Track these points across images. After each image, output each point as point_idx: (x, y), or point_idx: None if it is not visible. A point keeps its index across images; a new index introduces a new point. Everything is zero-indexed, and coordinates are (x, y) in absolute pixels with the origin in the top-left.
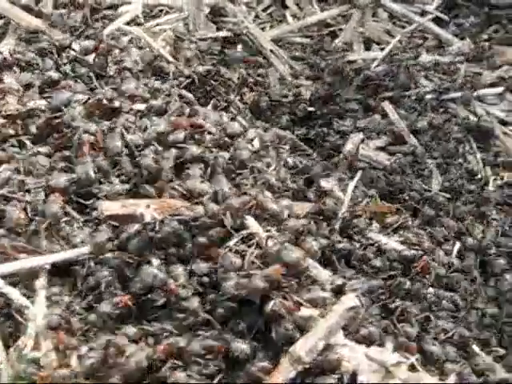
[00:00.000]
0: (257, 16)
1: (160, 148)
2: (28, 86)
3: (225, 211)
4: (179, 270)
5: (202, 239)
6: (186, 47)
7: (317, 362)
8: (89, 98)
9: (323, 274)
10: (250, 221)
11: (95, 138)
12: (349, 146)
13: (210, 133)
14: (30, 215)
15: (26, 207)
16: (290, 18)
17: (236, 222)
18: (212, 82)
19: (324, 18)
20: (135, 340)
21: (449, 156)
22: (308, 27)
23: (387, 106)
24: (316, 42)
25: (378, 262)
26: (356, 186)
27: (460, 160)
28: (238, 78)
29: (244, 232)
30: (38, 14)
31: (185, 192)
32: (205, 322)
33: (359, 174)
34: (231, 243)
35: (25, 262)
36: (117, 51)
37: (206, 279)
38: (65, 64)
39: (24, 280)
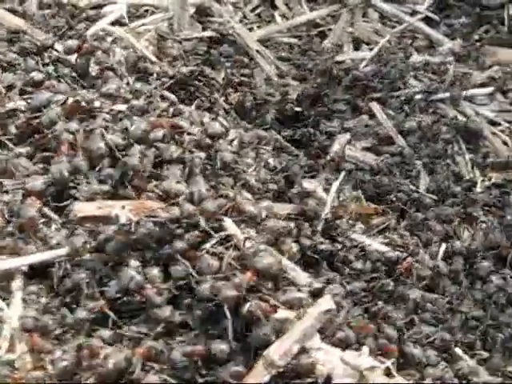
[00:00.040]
0: (245, 16)
1: (143, 148)
2: (10, 87)
3: (200, 214)
4: (154, 271)
5: (179, 241)
6: (169, 47)
7: (291, 366)
8: (67, 99)
9: (302, 277)
10: (228, 222)
11: (74, 138)
12: (335, 147)
13: (190, 133)
14: (6, 217)
15: (2, 209)
16: (278, 18)
17: (212, 224)
18: (196, 82)
19: (313, 18)
20: (110, 343)
21: (437, 157)
22: (297, 27)
23: (375, 107)
24: (305, 42)
25: (359, 265)
26: (342, 187)
27: (448, 161)
28: (223, 79)
29: (222, 234)
30: (22, 15)
31: (161, 193)
32: (183, 325)
33: (342, 174)
34: (208, 245)
35: (1, 264)
36: (100, 51)
37: (182, 282)
38: (47, 64)
39: (0, 282)
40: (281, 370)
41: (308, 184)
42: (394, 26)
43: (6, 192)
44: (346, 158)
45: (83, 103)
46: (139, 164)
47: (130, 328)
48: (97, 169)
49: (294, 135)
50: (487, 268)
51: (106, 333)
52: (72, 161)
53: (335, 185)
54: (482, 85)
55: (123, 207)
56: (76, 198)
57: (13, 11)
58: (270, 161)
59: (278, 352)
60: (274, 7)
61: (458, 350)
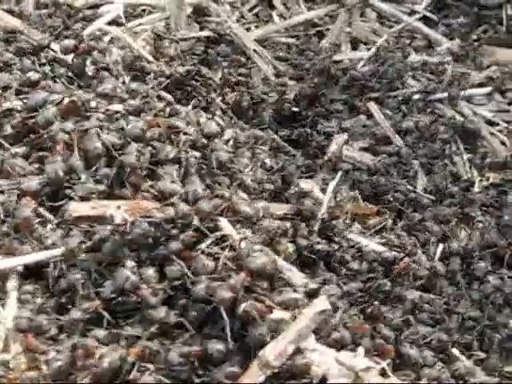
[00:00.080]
0: (242, 16)
1: (140, 146)
2: (6, 87)
3: (196, 214)
4: (150, 272)
5: (174, 241)
6: (166, 47)
7: (286, 367)
8: (63, 99)
9: (297, 277)
10: (224, 223)
11: (70, 138)
12: (333, 147)
13: (186, 133)
14: (2, 217)
15: None
16: (276, 18)
17: (208, 224)
18: (193, 82)
19: (311, 18)
20: (105, 343)
21: (435, 157)
22: (294, 27)
23: (372, 107)
24: (302, 42)
25: (356, 265)
26: (339, 187)
27: (446, 161)
28: (220, 78)
29: (217, 234)
30: (19, 15)
31: (156, 193)
32: (178, 325)
33: (339, 174)
34: (203, 246)
35: None
36: (96, 51)
37: (177, 282)
38: (44, 64)
39: None
40: (276, 370)
41: (305, 184)
42: (391, 26)
43: (2, 192)
44: (343, 158)
45: (79, 103)
46: (136, 162)
47: (125, 328)
48: (93, 169)
49: (292, 135)
50: (484, 268)
51: (100, 333)
52: (67, 160)
53: (332, 185)
54: (480, 85)
55: (118, 207)
56: (71, 198)
57: (10, 11)
58: (267, 161)
59: (273, 352)
60: (272, 7)
61: (455, 351)
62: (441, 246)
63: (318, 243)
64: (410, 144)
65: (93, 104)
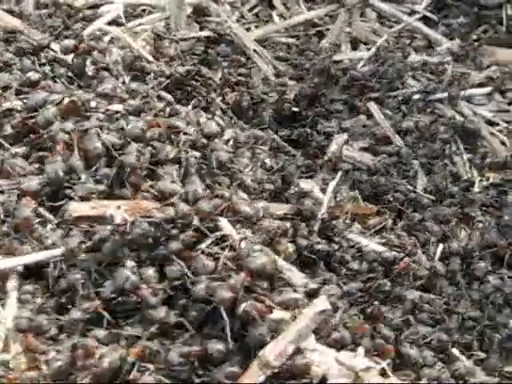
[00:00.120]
0: (242, 16)
1: (140, 146)
2: (6, 87)
3: (196, 214)
4: (150, 272)
5: (174, 241)
6: (166, 47)
7: (286, 367)
8: (63, 99)
9: (297, 277)
10: (224, 223)
11: (70, 137)
12: (333, 147)
13: (186, 133)
14: (2, 217)
15: None
16: (276, 18)
17: (208, 224)
18: (193, 82)
19: (311, 18)
20: (105, 343)
21: (435, 157)
22: (294, 27)
23: (372, 107)
24: (302, 42)
25: (356, 265)
26: (339, 187)
27: (446, 161)
28: (220, 78)
29: (217, 234)
30: (19, 15)
31: (156, 193)
32: (178, 325)
33: (339, 174)
34: (203, 246)
35: None
36: (96, 51)
37: (177, 282)
38: (44, 64)
39: None
40: (276, 370)
41: (305, 184)
42: (391, 26)
43: (2, 192)
44: (343, 158)
45: (79, 103)
46: (136, 162)
47: (125, 328)
48: (93, 169)
49: (292, 135)
50: (484, 268)
51: (100, 333)
52: (67, 160)
53: (332, 185)
54: (480, 85)
55: (118, 207)
56: (71, 198)
57: (10, 11)
58: (267, 161)
59: (273, 352)
60: (272, 7)
61: (455, 351)
62: (441, 246)
63: (318, 243)
64: (410, 144)
65: (93, 104)
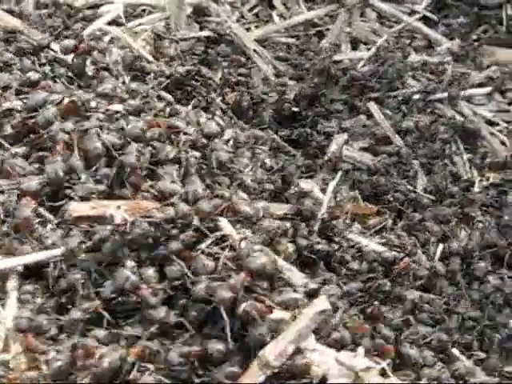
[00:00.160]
0: (242, 16)
1: (140, 146)
2: (6, 87)
3: (196, 214)
4: (150, 272)
5: (174, 241)
6: (166, 47)
7: (286, 367)
8: (63, 99)
9: (297, 277)
10: (224, 222)
11: (70, 137)
12: (333, 147)
13: (186, 133)
14: (2, 217)
15: None
16: (276, 18)
17: (208, 224)
18: (193, 82)
19: (311, 18)
20: (105, 343)
21: (435, 157)
22: (294, 27)
23: (372, 107)
24: (302, 42)
25: (356, 265)
26: (339, 187)
27: (446, 161)
28: (220, 78)
29: (217, 234)
30: (19, 15)
31: (156, 193)
32: (178, 325)
33: (339, 174)
34: (203, 246)
35: None
36: (96, 51)
37: (177, 282)
38: (44, 64)
39: None
40: (276, 370)
41: (305, 184)
42: (391, 26)
43: (2, 192)
44: (343, 158)
45: (79, 103)
46: (136, 162)
47: (125, 328)
48: (93, 169)
49: (292, 135)
50: (484, 268)
51: (100, 333)
52: (67, 160)
53: (332, 185)
54: (480, 85)
55: (118, 207)
56: (71, 198)
57: (10, 11)
58: (267, 161)
59: (273, 352)
60: (272, 7)
61: (455, 351)
62: (441, 246)
63: (318, 243)
64: (410, 144)
65: (93, 104)
